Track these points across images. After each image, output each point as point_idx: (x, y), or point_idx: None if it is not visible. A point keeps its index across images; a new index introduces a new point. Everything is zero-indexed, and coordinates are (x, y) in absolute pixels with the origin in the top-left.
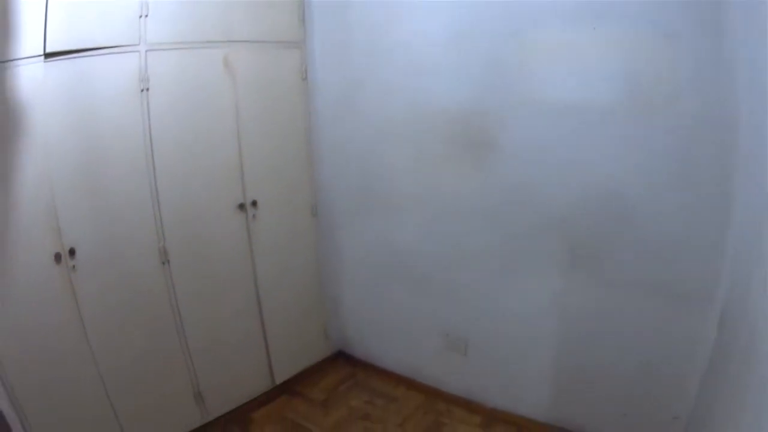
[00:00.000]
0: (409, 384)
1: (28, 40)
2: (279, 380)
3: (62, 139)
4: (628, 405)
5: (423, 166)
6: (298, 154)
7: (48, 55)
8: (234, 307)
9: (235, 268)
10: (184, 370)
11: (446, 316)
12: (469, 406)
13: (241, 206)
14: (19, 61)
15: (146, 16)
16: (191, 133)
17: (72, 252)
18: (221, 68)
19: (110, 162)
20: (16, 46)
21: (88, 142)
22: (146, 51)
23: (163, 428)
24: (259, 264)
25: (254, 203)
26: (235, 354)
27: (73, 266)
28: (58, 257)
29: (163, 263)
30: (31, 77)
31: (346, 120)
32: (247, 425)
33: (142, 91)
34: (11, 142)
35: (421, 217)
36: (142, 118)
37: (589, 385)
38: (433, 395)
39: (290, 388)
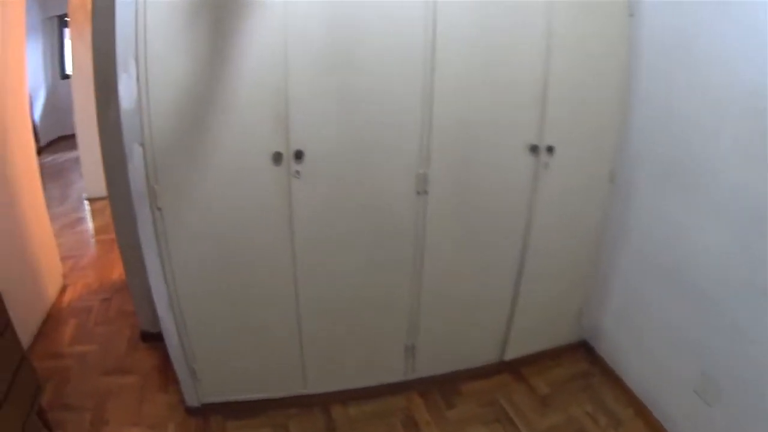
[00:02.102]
0: (640, 411)
1: None
2: (508, 357)
3: (304, 14)
4: None
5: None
6: (608, 105)
7: None
8: (490, 263)
9: (506, 220)
10: (403, 317)
11: (710, 350)
12: None
13: (534, 149)
14: None
15: None
16: (487, 41)
17: (299, 155)
18: None
19: (369, 49)
20: None
21: (343, 14)
22: None
23: (359, 369)
24: (536, 221)
25: (550, 149)
26: (469, 314)
27: (297, 171)
28: (277, 157)
29: (419, 193)
30: None
31: (675, 77)
32: (451, 396)
33: None
34: (246, 11)
35: (738, 221)
36: (425, 7)
37: None
38: None
39: (516, 368)
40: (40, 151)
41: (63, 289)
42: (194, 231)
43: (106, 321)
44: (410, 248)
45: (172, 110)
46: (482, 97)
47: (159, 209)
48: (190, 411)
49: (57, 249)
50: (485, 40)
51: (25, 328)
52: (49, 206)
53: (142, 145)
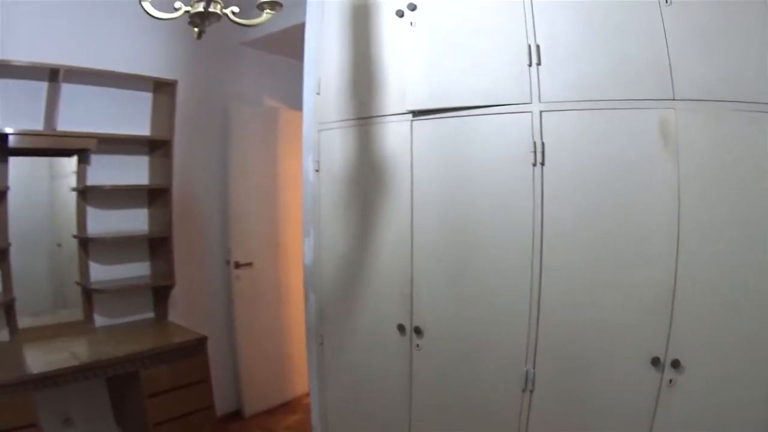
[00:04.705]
0: None
1: (395, 97)
2: None
3: (429, 205)
4: None
5: None
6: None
7: (416, 113)
8: None
9: None
10: None
11: None
12: None
13: (656, 362)
14: (388, 117)
15: (537, 64)
16: (598, 232)
17: (418, 330)
18: (654, 139)
19: (482, 246)
20: (385, 103)
21: (458, 214)
22: (540, 111)
23: None
24: None
25: (675, 364)
26: None
27: (417, 345)
28: (401, 328)
29: (524, 391)
30: (400, 134)
31: None
32: None
33: (533, 165)
34: (379, 195)
35: None
36: (533, 202)
37: None
38: None
39: None
40: None
41: None
42: (340, 365)
43: None
44: None
45: (333, 271)
46: (593, 297)
47: (321, 344)
48: None
49: None
50: (597, 238)
51: (261, 401)
52: None
53: (314, 293)
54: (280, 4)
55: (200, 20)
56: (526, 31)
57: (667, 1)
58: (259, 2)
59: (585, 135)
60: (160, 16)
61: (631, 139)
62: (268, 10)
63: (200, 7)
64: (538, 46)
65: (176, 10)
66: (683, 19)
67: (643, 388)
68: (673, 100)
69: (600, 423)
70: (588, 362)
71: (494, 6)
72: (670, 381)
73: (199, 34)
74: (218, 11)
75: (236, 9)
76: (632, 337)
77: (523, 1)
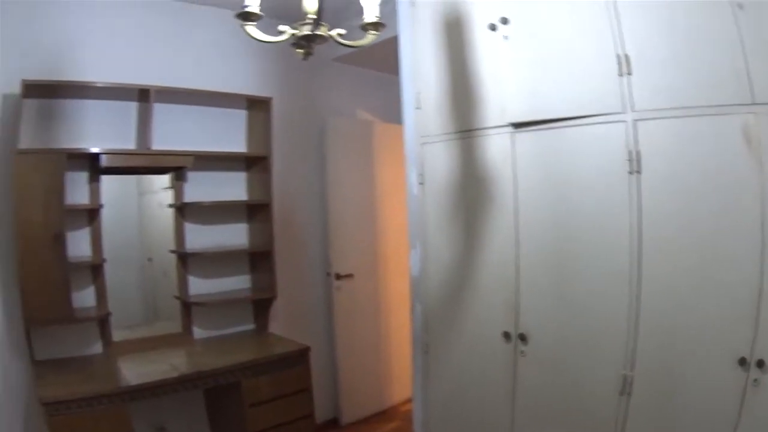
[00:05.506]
0: None
1: (494, 110)
2: None
3: (531, 215)
4: None
5: None
6: None
7: (516, 125)
8: None
9: None
10: None
11: None
12: None
13: (743, 362)
14: (488, 130)
15: (628, 73)
16: (692, 237)
17: (522, 337)
18: (738, 143)
19: (582, 253)
20: (484, 116)
21: (559, 223)
22: (634, 120)
23: None
24: None
25: (760, 363)
26: None
27: (522, 351)
28: (507, 336)
29: (621, 394)
30: (501, 146)
31: None
32: None
33: (630, 173)
34: (483, 206)
35: None
36: (629, 210)
37: None
38: None
39: None
40: None
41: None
42: (444, 373)
43: None
44: None
45: (439, 281)
46: (688, 300)
47: (426, 352)
48: None
49: None
50: (695, 247)
51: (358, 409)
52: None
53: (421, 303)
54: (384, 25)
55: (306, 43)
56: (614, 41)
57: (740, 6)
58: (363, 24)
59: (675, 142)
60: (265, 40)
61: (718, 144)
62: (372, 31)
63: (307, 30)
64: (626, 56)
65: (281, 33)
66: (757, 23)
67: (730, 388)
68: (753, 104)
69: (691, 423)
70: (681, 364)
71: (582, 18)
72: (755, 381)
73: (306, 56)
74: (324, 33)
75: (342, 31)
76: (722, 337)
77: (609, 13)
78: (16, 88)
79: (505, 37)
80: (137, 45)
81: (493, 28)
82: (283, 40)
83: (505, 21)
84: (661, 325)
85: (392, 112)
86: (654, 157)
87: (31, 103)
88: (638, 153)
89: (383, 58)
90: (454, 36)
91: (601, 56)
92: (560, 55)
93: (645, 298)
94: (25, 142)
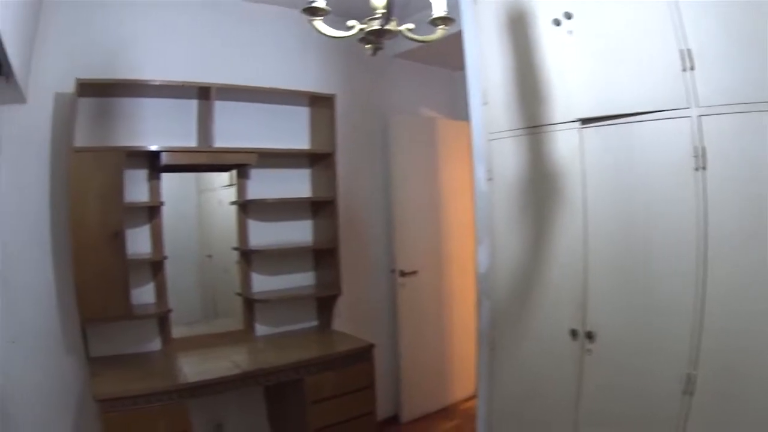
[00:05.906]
0: None
1: (561, 105)
2: None
3: (599, 211)
4: None
5: None
6: None
7: (584, 121)
8: None
9: None
10: None
11: None
12: None
13: None
14: (556, 125)
15: (691, 68)
16: (759, 234)
17: (589, 335)
18: None
19: (651, 251)
20: (551, 111)
21: (628, 220)
22: (698, 116)
23: None
24: None
25: None
26: None
27: (588, 349)
28: (574, 333)
29: (684, 393)
30: (568, 141)
31: None
32: None
33: (696, 169)
34: (552, 202)
35: None
36: (696, 207)
37: None
38: None
39: None
40: None
41: (471, 398)
42: (509, 369)
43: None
44: None
45: (506, 277)
46: (754, 297)
47: (492, 349)
48: None
49: None
50: (758, 238)
51: (419, 406)
52: None
53: (488, 299)
54: (453, 19)
55: (375, 38)
56: (676, 36)
57: None
58: (432, 18)
59: (739, 138)
60: (335, 35)
61: None
62: (442, 26)
63: (377, 25)
64: (689, 51)
65: (349, 28)
66: None
67: None
68: None
69: (751, 424)
70: (745, 365)
71: (644, 11)
72: None
73: (375, 51)
74: (394, 28)
75: (412, 26)
76: None
77: (670, 7)
78: (70, 87)
79: (570, 32)
80: (197, 43)
81: (557, 23)
82: (352, 35)
83: (569, 16)
84: (726, 325)
85: (454, 109)
86: (718, 153)
87: (86, 102)
88: (704, 149)
89: (445, 54)
90: (518, 31)
91: (663, 50)
92: (624, 49)
93: (712, 299)
94: (81, 140)
